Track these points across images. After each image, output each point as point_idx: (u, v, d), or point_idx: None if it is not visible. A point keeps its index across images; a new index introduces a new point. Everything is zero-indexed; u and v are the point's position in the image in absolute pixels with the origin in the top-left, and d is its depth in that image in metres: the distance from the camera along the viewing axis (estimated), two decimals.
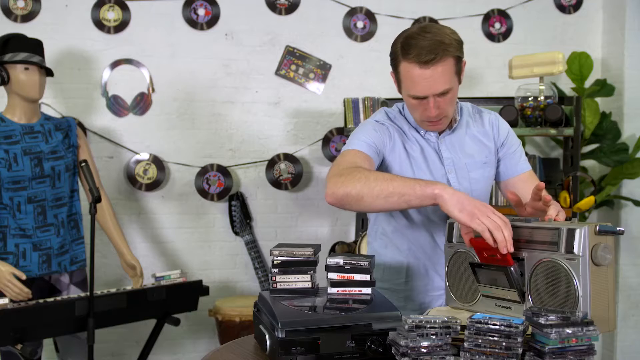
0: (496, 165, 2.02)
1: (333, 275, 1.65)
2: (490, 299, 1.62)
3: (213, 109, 3.75)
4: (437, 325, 1.33)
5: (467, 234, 1.59)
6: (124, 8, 3.64)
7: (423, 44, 1.72)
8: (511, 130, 2.03)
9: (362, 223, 3.65)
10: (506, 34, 4.00)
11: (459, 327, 1.34)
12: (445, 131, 1.94)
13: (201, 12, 3.71)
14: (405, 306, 1.98)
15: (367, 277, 1.64)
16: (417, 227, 1.96)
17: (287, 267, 1.65)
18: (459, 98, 1.93)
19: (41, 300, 2.54)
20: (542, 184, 1.68)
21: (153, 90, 3.69)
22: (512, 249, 1.50)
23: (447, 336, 1.33)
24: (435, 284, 1.97)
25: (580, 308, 1.40)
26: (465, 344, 1.32)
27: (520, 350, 1.29)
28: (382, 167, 1.91)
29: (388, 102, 3.43)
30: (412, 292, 1.99)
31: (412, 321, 1.34)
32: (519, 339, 1.29)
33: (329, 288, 1.65)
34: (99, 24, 3.62)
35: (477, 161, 1.95)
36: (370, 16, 3.87)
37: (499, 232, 1.49)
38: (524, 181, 1.99)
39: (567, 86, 3.91)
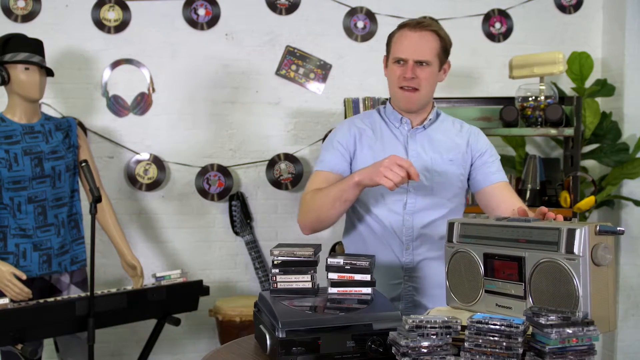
0: (468, 172, 2.11)
1: (333, 275, 1.65)
2: (491, 296, 1.62)
3: (213, 109, 3.75)
4: (437, 325, 1.33)
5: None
6: (124, 8, 3.64)
7: (417, 19, 2.09)
8: (492, 146, 2.16)
9: None
10: (506, 34, 4.00)
11: (459, 327, 1.34)
12: (418, 128, 2.09)
13: (201, 12, 3.71)
14: None
15: (367, 277, 1.64)
16: (380, 211, 2.06)
17: (287, 267, 1.66)
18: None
19: (41, 300, 2.54)
20: (545, 209, 1.74)
21: (153, 90, 3.69)
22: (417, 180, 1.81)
23: (448, 336, 1.33)
24: (395, 273, 2.05)
25: (581, 308, 1.40)
26: (466, 344, 1.32)
27: (520, 350, 1.29)
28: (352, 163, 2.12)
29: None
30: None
31: (413, 321, 1.34)
32: (520, 339, 1.29)
33: (329, 288, 1.65)
34: (99, 24, 3.62)
35: (444, 157, 2.08)
36: (370, 16, 3.87)
37: (406, 178, 1.78)
38: (499, 189, 2.07)
39: (567, 86, 3.91)
